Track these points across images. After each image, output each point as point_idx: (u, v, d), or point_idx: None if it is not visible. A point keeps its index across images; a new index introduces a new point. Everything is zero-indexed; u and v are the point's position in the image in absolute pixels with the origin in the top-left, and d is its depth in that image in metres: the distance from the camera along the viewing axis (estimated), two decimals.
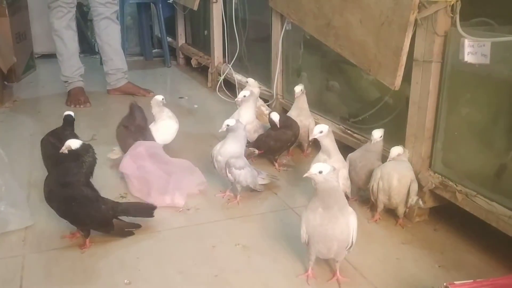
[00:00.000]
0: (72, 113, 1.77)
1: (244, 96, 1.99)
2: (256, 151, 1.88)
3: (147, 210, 1.48)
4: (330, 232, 1.16)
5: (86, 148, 1.34)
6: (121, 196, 1.68)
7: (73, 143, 1.32)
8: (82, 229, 1.38)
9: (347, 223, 1.17)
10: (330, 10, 1.80)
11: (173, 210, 1.61)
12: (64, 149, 1.32)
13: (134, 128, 1.89)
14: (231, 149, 1.61)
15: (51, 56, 4.04)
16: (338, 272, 1.25)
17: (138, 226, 1.47)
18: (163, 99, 2.00)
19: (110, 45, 2.90)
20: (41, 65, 3.72)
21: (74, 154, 1.32)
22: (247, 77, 2.74)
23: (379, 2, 1.53)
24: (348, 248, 1.20)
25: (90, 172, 1.35)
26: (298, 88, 1.95)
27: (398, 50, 1.46)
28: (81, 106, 2.75)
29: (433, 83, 1.42)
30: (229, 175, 1.60)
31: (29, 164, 1.95)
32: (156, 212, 1.51)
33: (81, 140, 1.37)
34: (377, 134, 1.53)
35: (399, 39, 1.45)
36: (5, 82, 3.08)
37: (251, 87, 2.14)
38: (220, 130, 1.64)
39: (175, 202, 1.63)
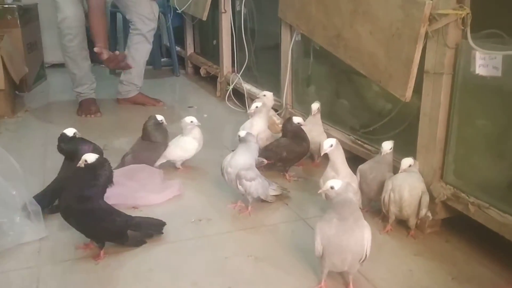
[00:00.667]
0: (69, 131, 1.76)
1: (256, 107, 2.00)
2: (265, 161, 1.89)
3: (158, 226, 1.50)
4: (344, 243, 1.16)
5: (102, 162, 1.35)
6: (133, 207, 1.70)
7: (89, 157, 1.34)
8: (97, 241, 1.39)
9: (362, 235, 1.17)
10: (339, 21, 1.81)
11: (185, 220, 1.62)
12: (81, 163, 1.34)
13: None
14: (241, 160, 1.62)
15: (61, 66, 4.06)
16: (351, 284, 1.25)
17: (150, 236, 1.48)
18: (192, 121, 1.98)
19: (135, 60, 2.92)
20: (51, 75, 3.76)
21: (90, 168, 1.33)
22: (256, 87, 2.79)
23: (389, 14, 1.55)
24: (361, 261, 1.20)
25: (106, 185, 1.37)
26: (315, 106, 1.95)
27: (408, 62, 1.47)
28: (92, 116, 2.77)
29: (444, 95, 1.42)
30: (239, 186, 1.61)
31: (42, 174, 1.97)
32: (168, 223, 1.53)
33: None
34: (387, 146, 1.54)
35: (410, 51, 1.46)
36: (17, 92, 3.11)
37: (266, 99, 2.14)
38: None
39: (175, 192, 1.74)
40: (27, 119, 2.72)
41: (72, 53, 2.69)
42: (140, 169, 1.86)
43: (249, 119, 2.07)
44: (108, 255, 1.40)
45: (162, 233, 1.50)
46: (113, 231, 1.38)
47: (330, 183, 1.17)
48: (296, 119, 1.88)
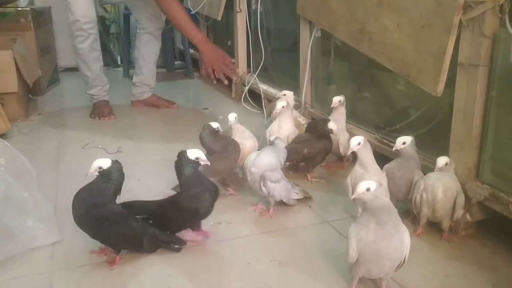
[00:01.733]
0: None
1: (283, 107, 1.88)
2: (286, 163, 1.77)
3: (176, 243, 1.38)
4: (383, 251, 1.07)
5: (117, 167, 1.28)
6: None
7: (103, 163, 1.26)
8: (113, 247, 1.32)
9: (401, 240, 1.08)
10: (364, 15, 1.73)
11: (204, 223, 1.53)
12: (93, 171, 1.26)
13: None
14: (267, 160, 1.53)
15: (74, 70, 4.04)
16: None
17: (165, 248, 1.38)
18: (236, 117, 1.81)
19: (145, 60, 2.87)
20: (65, 79, 3.73)
21: (104, 173, 1.26)
22: (273, 87, 2.71)
23: (418, 5, 1.46)
24: (399, 266, 1.11)
25: (119, 189, 1.29)
26: (336, 99, 1.84)
27: (440, 54, 1.39)
28: (105, 118, 2.71)
29: (480, 88, 1.33)
30: (263, 188, 1.52)
31: (56, 177, 1.91)
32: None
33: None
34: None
35: (442, 42, 1.38)
36: (30, 95, 3.08)
37: (287, 98, 2.03)
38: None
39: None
40: (40, 122, 2.68)
41: (83, 55, 2.64)
42: None
43: (268, 120, 1.99)
44: (124, 260, 1.33)
45: (179, 251, 1.38)
46: (129, 236, 1.31)
47: (364, 184, 1.07)
48: (332, 125, 1.76)
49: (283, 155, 1.58)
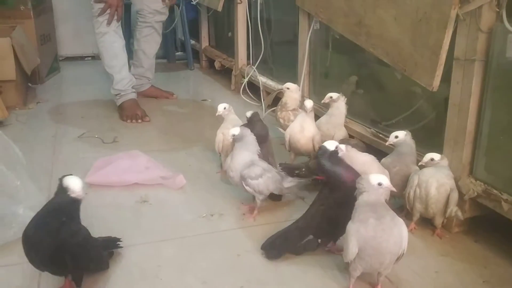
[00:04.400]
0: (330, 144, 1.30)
1: (224, 108, 1.78)
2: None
3: (115, 242, 1.32)
4: (384, 245, 1.07)
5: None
6: (143, 201, 1.63)
7: (76, 186, 1.09)
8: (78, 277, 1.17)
9: (400, 233, 1.09)
10: (361, 7, 1.71)
11: (196, 215, 1.54)
12: (78, 196, 1.09)
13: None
14: (241, 160, 1.48)
15: (75, 59, 4.06)
16: (379, 286, 1.17)
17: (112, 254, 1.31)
18: (225, 108, 1.78)
19: (145, 53, 2.83)
20: (65, 68, 3.72)
21: (75, 200, 1.10)
22: (272, 79, 2.70)
23: None
24: (398, 259, 1.12)
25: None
26: (328, 96, 1.77)
27: (437, 48, 1.37)
28: (139, 121, 2.49)
29: (475, 83, 1.32)
30: (247, 187, 1.48)
31: (50, 166, 1.91)
32: (178, 217, 1.44)
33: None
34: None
35: (439, 36, 1.36)
36: (29, 84, 3.07)
37: (293, 93, 1.98)
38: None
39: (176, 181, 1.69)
40: (38, 111, 2.67)
41: (107, 43, 2.49)
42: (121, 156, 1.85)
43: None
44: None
45: (121, 247, 1.34)
46: (99, 257, 1.23)
47: (376, 178, 1.09)
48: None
49: (254, 143, 1.51)
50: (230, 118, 1.80)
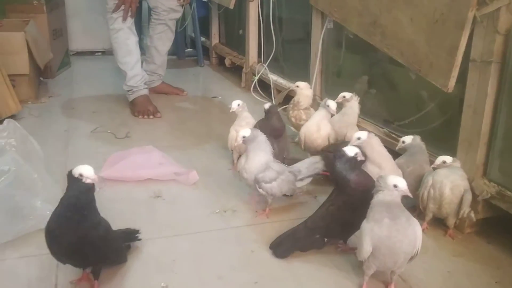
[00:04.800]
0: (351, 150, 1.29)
1: (238, 105, 1.78)
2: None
3: (134, 234, 1.35)
4: (398, 245, 1.08)
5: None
6: (157, 196, 1.64)
7: (89, 174, 1.11)
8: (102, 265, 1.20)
9: (414, 233, 1.10)
10: (377, 7, 1.72)
11: (210, 211, 1.56)
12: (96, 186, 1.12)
13: (269, 131, 1.64)
14: (257, 161, 1.48)
15: (85, 54, 4.09)
16: (393, 285, 1.18)
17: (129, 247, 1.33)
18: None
19: (158, 50, 2.84)
20: (75, 62, 3.74)
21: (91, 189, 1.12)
22: (282, 77, 2.70)
23: None
24: (412, 259, 1.13)
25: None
26: (341, 95, 1.78)
27: (453, 49, 1.37)
28: (151, 117, 2.51)
29: (491, 85, 1.32)
30: (260, 191, 1.49)
31: (64, 160, 1.93)
32: (192, 212, 1.45)
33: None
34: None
35: (455, 37, 1.36)
36: (41, 78, 3.10)
37: (305, 90, 1.99)
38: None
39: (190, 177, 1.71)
40: (50, 105, 2.69)
41: (121, 38, 2.50)
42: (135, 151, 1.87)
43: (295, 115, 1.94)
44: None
45: (140, 239, 1.36)
46: (119, 249, 1.25)
47: (394, 180, 1.10)
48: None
49: (268, 146, 1.51)
50: (244, 115, 1.82)
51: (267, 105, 1.74)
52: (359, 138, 1.41)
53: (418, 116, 1.72)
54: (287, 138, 1.78)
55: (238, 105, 1.80)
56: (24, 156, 1.44)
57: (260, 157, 1.49)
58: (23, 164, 1.40)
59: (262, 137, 1.50)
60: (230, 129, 1.84)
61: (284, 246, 1.33)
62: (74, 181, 1.10)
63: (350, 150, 1.26)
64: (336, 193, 1.31)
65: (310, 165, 1.57)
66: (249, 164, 1.49)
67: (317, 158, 1.58)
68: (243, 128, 1.62)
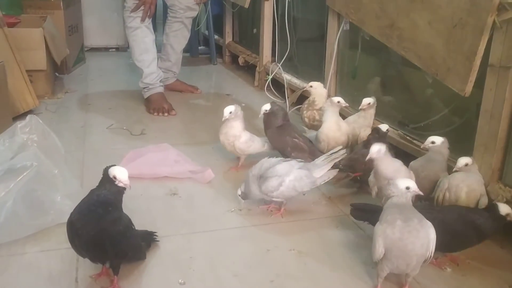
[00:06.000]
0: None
1: (230, 112, 1.77)
2: (351, 175, 1.66)
3: (151, 234, 1.37)
4: (410, 247, 1.09)
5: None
6: (173, 193, 1.67)
7: (122, 175, 1.15)
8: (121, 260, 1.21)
9: (427, 236, 1.10)
10: (394, 10, 1.72)
11: (225, 209, 1.58)
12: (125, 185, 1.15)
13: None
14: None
15: (99, 50, 4.12)
16: (407, 287, 1.19)
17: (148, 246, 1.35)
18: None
19: (173, 48, 2.86)
20: (90, 58, 3.77)
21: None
22: (296, 77, 2.71)
23: (452, 4, 1.45)
24: (426, 261, 1.14)
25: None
26: (366, 101, 1.78)
27: (471, 54, 1.38)
28: (165, 114, 2.52)
29: (509, 90, 1.33)
30: (275, 200, 1.52)
31: (82, 156, 1.96)
32: (208, 211, 1.47)
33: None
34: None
35: (474, 42, 1.37)
36: (57, 74, 3.13)
37: (319, 89, 2.00)
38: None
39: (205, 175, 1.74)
40: (67, 100, 2.73)
41: (138, 36, 2.52)
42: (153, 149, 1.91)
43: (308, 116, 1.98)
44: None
45: (158, 240, 1.37)
46: (138, 246, 1.27)
47: (404, 182, 1.13)
48: (384, 127, 1.66)
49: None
50: (230, 125, 1.81)
51: (267, 106, 1.75)
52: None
53: (433, 119, 1.73)
54: (292, 127, 1.80)
55: (230, 112, 1.77)
56: (45, 152, 1.47)
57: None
58: (44, 159, 1.43)
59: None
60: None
61: (363, 212, 1.39)
62: (107, 180, 1.14)
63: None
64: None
65: (327, 157, 1.54)
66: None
67: (336, 149, 1.57)
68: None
